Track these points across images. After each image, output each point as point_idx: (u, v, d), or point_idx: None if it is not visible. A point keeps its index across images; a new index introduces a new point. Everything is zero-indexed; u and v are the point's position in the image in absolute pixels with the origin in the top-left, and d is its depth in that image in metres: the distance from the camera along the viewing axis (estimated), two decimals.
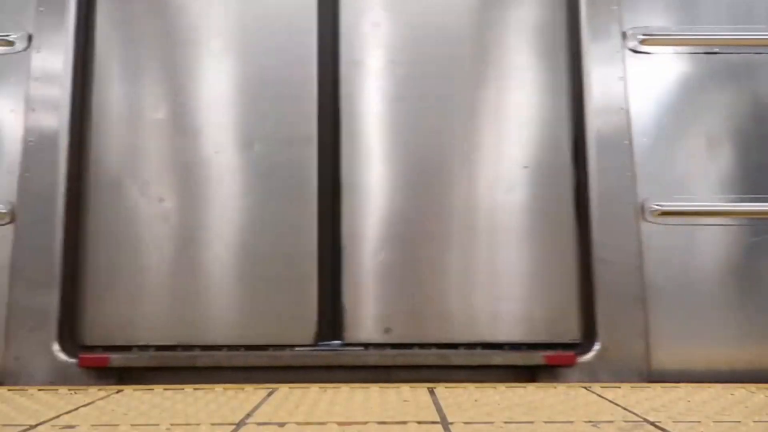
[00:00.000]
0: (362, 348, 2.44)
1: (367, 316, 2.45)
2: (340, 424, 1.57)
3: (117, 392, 2.06)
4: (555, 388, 2.05)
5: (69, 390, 2.11)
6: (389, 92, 2.54)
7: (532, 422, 1.59)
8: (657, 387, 2.14)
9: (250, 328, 2.43)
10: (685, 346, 2.34)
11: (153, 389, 2.11)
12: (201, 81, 2.53)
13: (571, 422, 1.59)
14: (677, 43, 2.46)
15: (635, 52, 2.46)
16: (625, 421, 1.61)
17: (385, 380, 2.34)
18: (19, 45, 2.42)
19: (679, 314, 2.35)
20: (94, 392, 2.06)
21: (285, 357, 2.36)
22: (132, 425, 1.61)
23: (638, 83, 2.45)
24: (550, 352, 2.36)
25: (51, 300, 2.34)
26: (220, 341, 2.41)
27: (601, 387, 2.09)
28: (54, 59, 2.43)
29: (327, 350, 2.41)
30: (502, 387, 2.07)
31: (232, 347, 2.42)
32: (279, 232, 2.47)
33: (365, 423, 1.58)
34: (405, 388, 2.06)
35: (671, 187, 2.41)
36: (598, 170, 2.42)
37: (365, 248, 2.38)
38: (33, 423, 1.64)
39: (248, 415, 1.68)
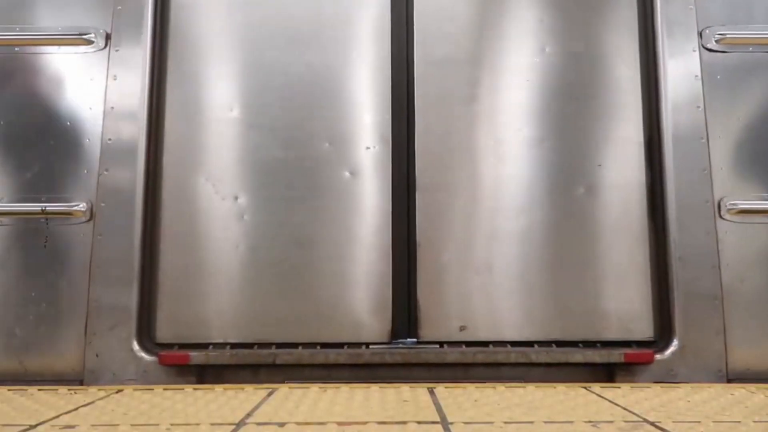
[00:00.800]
0: (437, 346, 2.44)
1: (442, 314, 2.45)
2: (339, 424, 1.57)
3: (117, 392, 2.06)
4: (555, 388, 2.05)
5: (69, 390, 2.11)
6: (463, 93, 2.54)
7: (532, 422, 1.59)
8: (657, 387, 2.14)
9: (326, 325, 2.43)
10: (764, 345, 2.34)
11: (153, 389, 2.11)
12: (274, 80, 2.53)
13: (571, 422, 1.59)
14: (754, 42, 2.45)
15: (711, 50, 2.46)
16: (625, 421, 1.61)
17: (462, 378, 2.34)
18: (98, 44, 2.43)
19: (757, 313, 2.35)
20: (94, 392, 2.06)
21: (364, 355, 2.36)
22: (132, 425, 1.61)
23: (714, 81, 2.45)
24: (628, 350, 2.36)
25: (129, 298, 2.35)
26: (296, 339, 2.42)
27: (601, 387, 2.09)
28: (131, 57, 2.43)
29: (403, 348, 2.42)
30: (501, 387, 2.07)
31: (307, 345, 2.43)
32: (353, 231, 2.48)
33: (365, 423, 1.58)
34: (405, 388, 2.05)
35: (748, 185, 2.41)
36: (674, 168, 2.42)
37: (439, 247, 2.37)
38: (33, 423, 1.64)
39: (248, 415, 1.68)
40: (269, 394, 1.96)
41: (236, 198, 2.48)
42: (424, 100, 2.52)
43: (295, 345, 2.42)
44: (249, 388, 2.09)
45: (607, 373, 2.37)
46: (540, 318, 2.45)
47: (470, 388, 2.06)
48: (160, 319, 2.42)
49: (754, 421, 1.63)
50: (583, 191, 2.50)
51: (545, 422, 1.60)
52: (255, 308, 2.44)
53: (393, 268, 2.46)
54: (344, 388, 2.06)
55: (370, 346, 2.42)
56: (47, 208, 2.36)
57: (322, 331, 2.43)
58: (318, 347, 2.41)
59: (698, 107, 2.43)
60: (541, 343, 2.43)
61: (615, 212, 2.47)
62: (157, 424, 1.61)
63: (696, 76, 2.45)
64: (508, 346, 2.42)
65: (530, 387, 2.08)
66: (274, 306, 2.44)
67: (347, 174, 2.50)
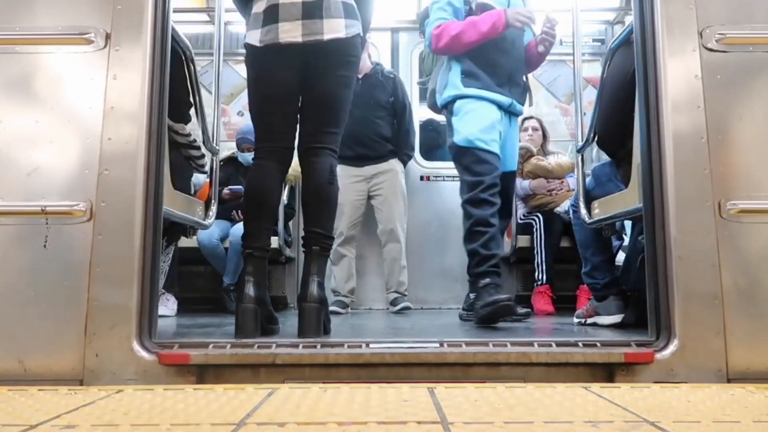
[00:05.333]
0: (437, 345, 2.44)
1: None
2: (340, 423, 1.57)
3: (117, 392, 2.04)
4: (554, 388, 2.04)
5: (69, 390, 2.10)
6: None
7: (532, 422, 1.59)
8: (656, 387, 2.13)
9: None
10: (764, 345, 2.34)
11: (153, 389, 2.10)
12: None
13: (571, 422, 1.59)
14: (754, 42, 2.45)
15: (711, 50, 2.45)
16: (625, 421, 1.60)
17: (462, 378, 2.34)
18: (98, 43, 2.43)
19: (757, 313, 2.35)
20: (95, 392, 2.05)
21: (364, 355, 2.36)
22: (132, 425, 1.60)
23: (714, 81, 2.45)
24: (628, 350, 2.36)
25: (130, 297, 2.35)
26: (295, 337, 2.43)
27: (601, 387, 2.08)
28: (132, 57, 2.43)
29: (404, 347, 2.42)
30: (501, 387, 2.06)
31: (307, 344, 2.43)
32: None
33: (365, 423, 1.58)
34: (405, 388, 2.05)
35: (749, 185, 2.41)
36: (674, 167, 2.42)
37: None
38: (33, 423, 1.62)
39: (248, 415, 1.67)
40: (269, 394, 1.96)
41: None
42: None
43: (295, 345, 2.43)
44: (249, 388, 2.08)
45: (607, 373, 2.37)
46: None
47: (470, 388, 2.06)
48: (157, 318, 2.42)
49: (754, 421, 1.63)
50: None
51: (545, 422, 1.60)
52: None
53: None
54: (344, 388, 2.06)
55: (371, 345, 2.43)
56: (47, 208, 2.35)
57: None
58: (318, 346, 2.41)
59: (698, 107, 2.43)
60: (541, 344, 2.44)
61: None
62: (158, 424, 1.61)
63: (696, 76, 2.45)
64: (508, 345, 2.42)
65: (530, 387, 2.08)
66: None
67: None
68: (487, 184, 3.40)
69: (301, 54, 2.75)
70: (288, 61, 2.77)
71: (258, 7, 2.80)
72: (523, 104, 3.77)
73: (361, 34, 2.87)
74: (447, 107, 3.69)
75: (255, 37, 2.78)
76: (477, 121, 3.52)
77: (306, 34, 2.69)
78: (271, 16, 2.73)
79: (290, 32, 2.70)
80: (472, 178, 3.47)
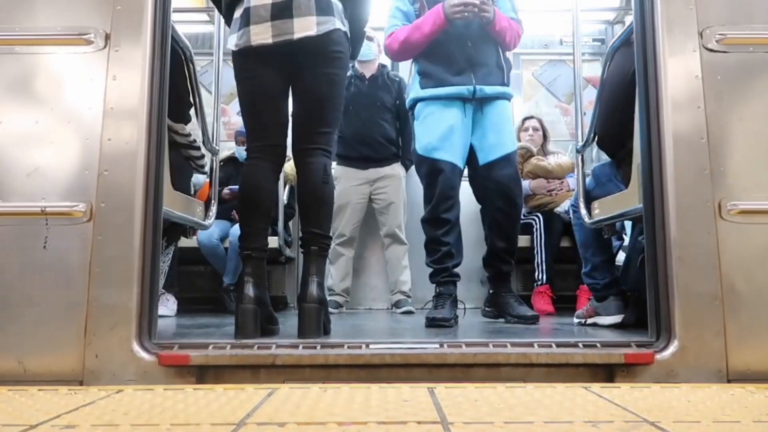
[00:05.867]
0: (438, 346, 2.44)
1: None
2: (340, 423, 1.57)
3: (117, 392, 2.05)
4: (554, 388, 2.04)
5: (69, 390, 2.10)
6: None
7: (531, 422, 1.59)
8: (656, 387, 2.13)
9: None
10: (764, 345, 2.34)
11: (153, 389, 2.10)
12: None
13: (571, 422, 1.59)
14: (754, 42, 2.45)
15: (712, 50, 2.45)
16: (625, 421, 1.60)
17: (462, 378, 2.34)
18: (98, 44, 2.43)
19: (757, 313, 2.35)
20: (95, 392, 2.05)
21: (364, 355, 2.36)
22: (132, 425, 1.60)
23: (715, 81, 2.45)
24: (628, 350, 2.36)
25: (129, 298, 2.34)
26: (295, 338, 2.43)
27: (601, 387, 2.08)
28: (131, 57, 2.42)
29: (404, 348, 2.42)
30: (501, 387, 2.06)
31: (308, 345, 2.43)
32: None
33: (365, 423, 1.58)
34: (405, 388, 2.04)
35: (749, 186, 2.41)
36: (674, 168, 2.42)
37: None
38: (33, 423, 1.63)
39: (248, 415, 1.67)
40: (269, 394, 1.96)
41: None
42: None
43: (295, 345, 2.43)
44: (249, 388, 2.08)
45: (607, 374, 2.37)
46: None
47: (470, 388, 2.05)
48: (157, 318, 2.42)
49: (754, 421, 1.63)
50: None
51: (545, 422, 1.60)
52: None
53: None
54: (344, 388, 2.06)
55: (370, 346, 2.43)
56: (47, 209, 2.35)
57: None
58: (318, 347, 2.41)
59: (698, 107, 2.43)
60: (541, 344, 2.43)
61: None
62: (158, 424, 1.61)
63: (696, 76, 2.45)
64: (508, 346, 2.42)
65: (530, 387, 2.08)
66: None
67: None
68: (438, 196, 3.45)
69: (277, 55, 2.75)
70: (265, 63, 2.78)
71: (237, 12, 2.83)
72: (501, 83, 3.54)
73: (342, 30, 2.81)
74: (411, 111, 3.70)
75: (232, 42, 2.82)
76: (433, 128, 3.48)
77: (276, 35, 2.69)
78: (245, 19, 2.76)
79: (260, 35, 2.70)
80: (426, 190, 3.56)
